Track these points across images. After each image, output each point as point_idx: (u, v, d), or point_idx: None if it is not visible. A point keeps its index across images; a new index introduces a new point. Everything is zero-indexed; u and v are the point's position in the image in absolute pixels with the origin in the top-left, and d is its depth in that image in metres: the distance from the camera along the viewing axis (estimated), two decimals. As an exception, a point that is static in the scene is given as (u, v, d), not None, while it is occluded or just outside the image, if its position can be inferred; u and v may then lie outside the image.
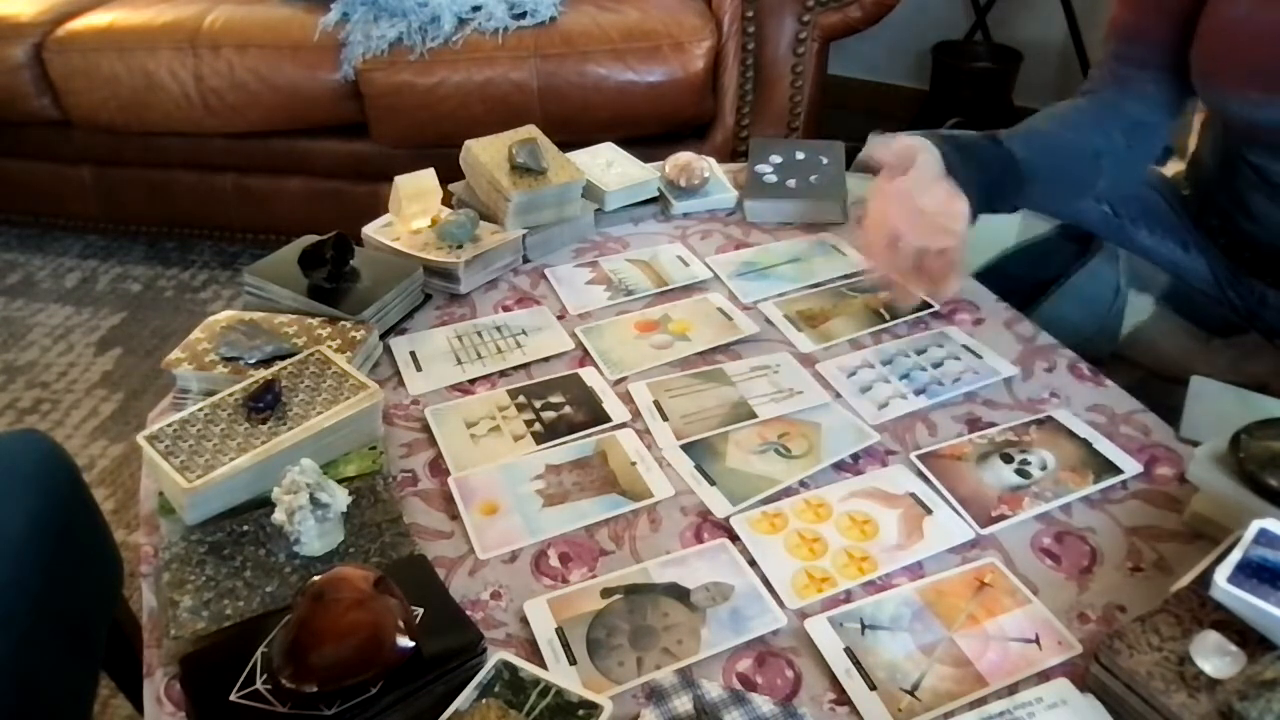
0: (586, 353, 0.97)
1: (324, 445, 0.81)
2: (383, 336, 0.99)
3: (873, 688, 0.64)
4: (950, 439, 0.86)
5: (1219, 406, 0.87)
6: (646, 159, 1.27)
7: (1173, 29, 0.94)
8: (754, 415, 0.88)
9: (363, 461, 0.82)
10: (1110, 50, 1.02)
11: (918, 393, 0.91)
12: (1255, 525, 0.64)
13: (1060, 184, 1.01)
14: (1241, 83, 0.90)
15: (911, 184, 0.88)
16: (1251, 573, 0.62)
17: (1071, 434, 0.85)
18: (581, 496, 0.80)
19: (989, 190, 0.92)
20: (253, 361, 0.89)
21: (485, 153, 1.14)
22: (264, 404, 0.81)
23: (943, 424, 0.88)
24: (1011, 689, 0.64)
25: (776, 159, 1.24)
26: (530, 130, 1.19)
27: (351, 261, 1.02)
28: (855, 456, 0.84)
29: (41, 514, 0.88)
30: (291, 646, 0.61)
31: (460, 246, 1.07)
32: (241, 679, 0.62)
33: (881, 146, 0.91)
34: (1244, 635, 0.60)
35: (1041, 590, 0.71)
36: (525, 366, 0.96)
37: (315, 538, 0.73)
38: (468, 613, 0.69)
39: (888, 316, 1.01)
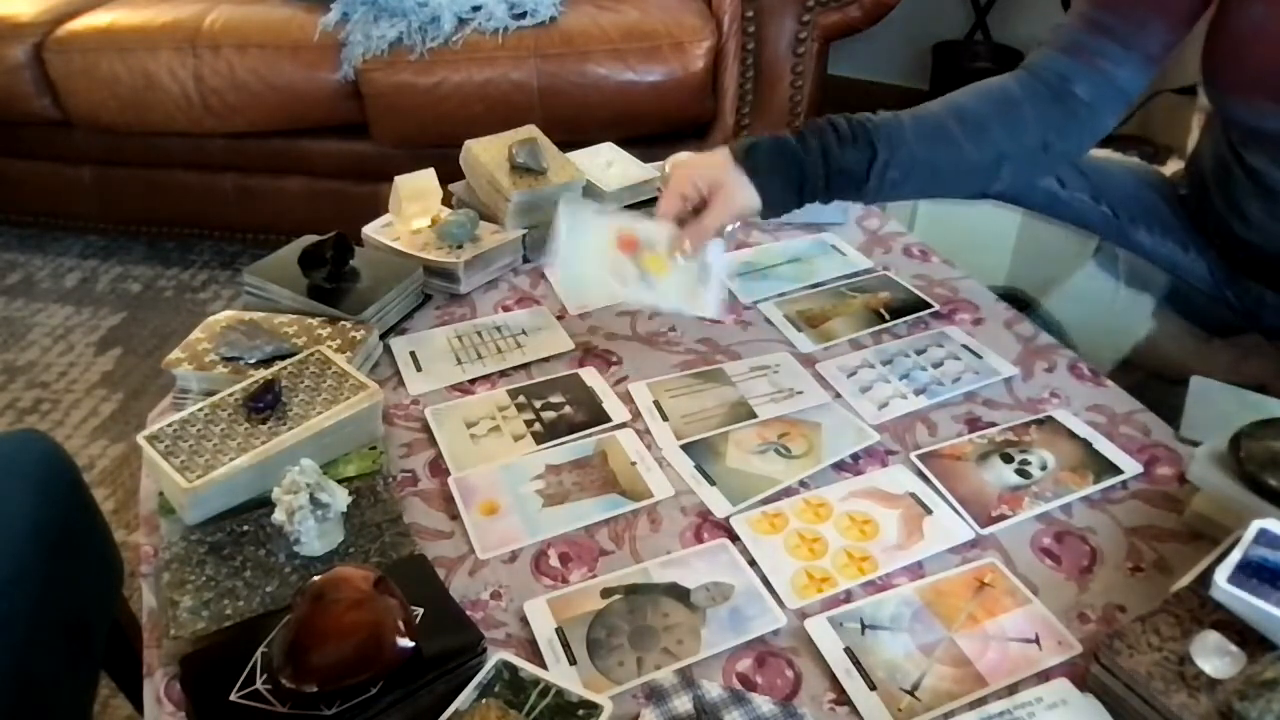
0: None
1: (324, 445, 0.81)
2: (383, 336, 0.99)
3: (873, 688, 0.64)
4: (950, 439, 0.86)
5: (1219, 406, 0.87)
6: (646, 159, 1.26)
7: (1160, 8, 0.91)
8: (754, 415, 0.88)
9: (363, 461, 0.82)
10: (1083, 13, 0.94)
11: (918, 393, 0.91)
12: (1255, 525, 0.64)
13: (933, 190, 1.00)
14: (1248, 89, 0.89)
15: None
16: (1251, 573, 0.62)
17: (1071, 434, 0.85)
18: (581, 496, 0.80)
19: (796, 194, 0.92)
20: (253, 361, 0.89)
21: (485, 153, 1.14)
22: (264, 404, 0.81)
23: (943, 424, 0.88)
24: (1011, 689, 0.64)
25: (776, 159, 1.24)
26: (530, 130, 1.19)
27: (351, 261, 1.02)
28: (855, 456, 0.84)
29: (41, 514, 0.88)
30: (291, 646, 0.61)
31: (460, 246, 1.07)
32: (241, 679, 0.62)
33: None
34: (1244, 635, 0.60)
35: (1041, 590, 0.71)
36: (525, 366, 0.96)
37: (315, 538, 0.73)
38: (468, 613, 0.69)
39: (888, 316, 1.01)
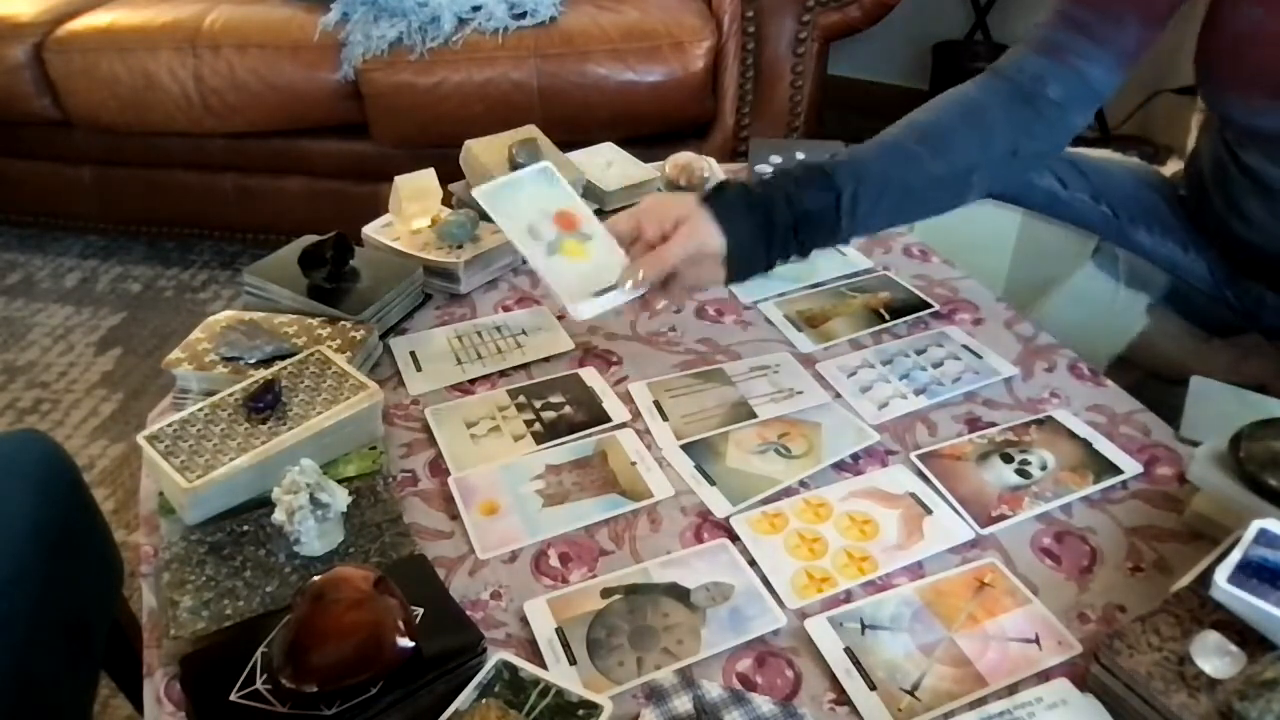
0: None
1: (324, 445, 0.81)
2: (383, 336, 0.99)
3: (873, 688, 0.64)
4: (950, 439, 0.86)
5: (1219, 406, 0.87)
6: (646, 159, 1.27)
7: (1136, 3, 0.89)
8: (754, 415, 0.88)
9: (363, 461, 0.82)
10: (1060, 10, 0.92)
11: (918, 393, 0.91)
12: (1255, 525, 0.64)
13: (908, 212, 0.99)
14: (1244, 88, 0.89)
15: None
16: (1251, 573, 0.62)
17: (1071, 434, 0.85)
18: (581, 496, 0.80)
19: (765, 242, 0.89)
20: (253, 361, 0.89)
21: (485, 153, 1.14)
22: (264, 404, 0.81)
23: (943, 424, 0.88)
24: (1011, 689, 0.64)
25: (776, 159, 1.24)
26: (530, 130, 1.19)
27: (351, 261, 1.02)
28: (855, 456, 0.84)
29: (41, 514, 0.88)
30: (291, 646, 0.61)
31: (460, 246, 1.07)
32: (241, 679, 0.62)
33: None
34: (1244, 635, 0.60)
35: (1041, 590, 0.71)
36: (525, 366, 0.96)
37: (315, 538, 0.73)
38: (468, 613, 0.69)
39: (888, 316, 1.01)
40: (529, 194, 0.92)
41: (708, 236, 0.86)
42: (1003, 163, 0.94)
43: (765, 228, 0.87)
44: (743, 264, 0.89)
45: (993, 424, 0.87)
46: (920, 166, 0.91)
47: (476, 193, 0.90)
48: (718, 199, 0.88)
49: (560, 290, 0.88)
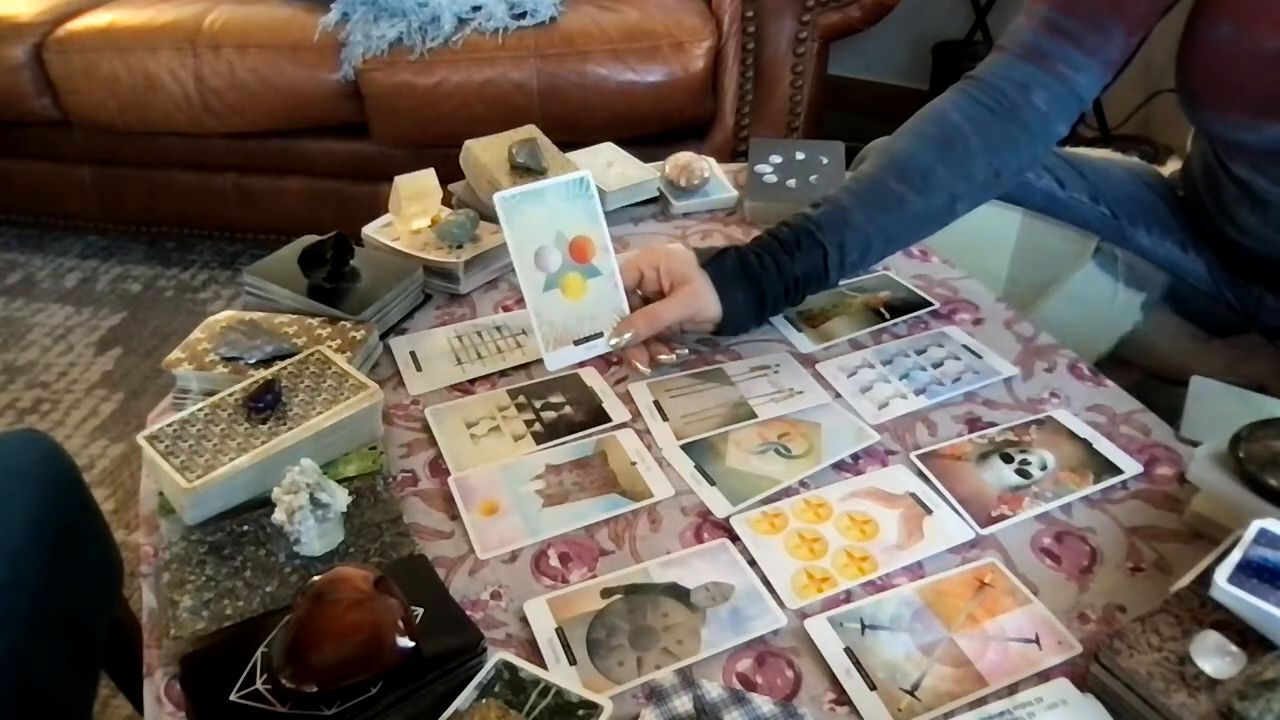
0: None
1: (324, 445, 0.81)
2: (383, 336, 0.99)
3: (873, 688, 0.64)
4: (950, 439, 0.86)
5: (1219, 406, 0.87)
6: (646, 159, 1.27)
7: (1120, 10, 0.89)
8: (754, 415, 0.88)
9: (363, 461, 0.82)
10: (1045, 17, 0.91)
11: (918, 393, 0.91)
12: (1255, 525, 0.64)
13: (895, 248, 1.00)
14: (1221, 106, 0.88)
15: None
16: (1251, 573, 0.62)
17: (1071, 434, 0.85)
18: (581, 496, 0.80)
19: (756, 309, 0.94)
20: (253, 361, 0.89)
21: (485, 153, 1.14)
22: (264, 404, 0.81)
23: (943, 424, 0.88)
24: (1011, 689, 0.64)
25: (776, 159, 1.24)
26: (530, 130, 1.19)
27: (351, 261, 1.02)
28: (855, 456, 0.84)
29: (41, 514, 0.88)
30: (291, 646, 0.61)
31: (460, 246, 1.07)
32: (241, 679, 0.62)
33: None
34: (1244, 635, 0.60)
35: (1041, 590, 0.71)
36: (525, 366, 0.96)
37: (315, 538, 0.73)
38: (468, 613, 0.69)
39: (888, 316, 1.01)
40: (551, 209, 0.91)
41: (706, 305, 0.92)
42: (985, 186, 0.95)
43: (757, 298, 0.93)
44: (735, 327, 0.95)
45: (993, 424, 0.87)
46: (903, 208, 0.93)
47: (497, 198, 0.89)
48: (716, 266, 0.92)
49: (541, 334, 0.92)
